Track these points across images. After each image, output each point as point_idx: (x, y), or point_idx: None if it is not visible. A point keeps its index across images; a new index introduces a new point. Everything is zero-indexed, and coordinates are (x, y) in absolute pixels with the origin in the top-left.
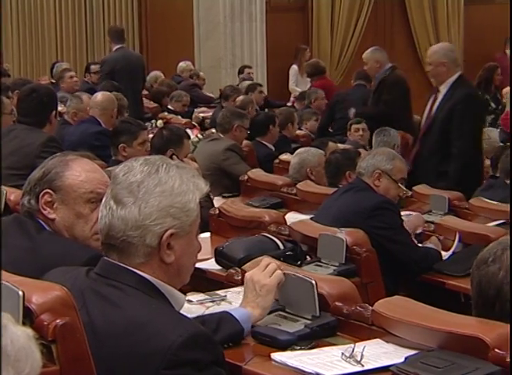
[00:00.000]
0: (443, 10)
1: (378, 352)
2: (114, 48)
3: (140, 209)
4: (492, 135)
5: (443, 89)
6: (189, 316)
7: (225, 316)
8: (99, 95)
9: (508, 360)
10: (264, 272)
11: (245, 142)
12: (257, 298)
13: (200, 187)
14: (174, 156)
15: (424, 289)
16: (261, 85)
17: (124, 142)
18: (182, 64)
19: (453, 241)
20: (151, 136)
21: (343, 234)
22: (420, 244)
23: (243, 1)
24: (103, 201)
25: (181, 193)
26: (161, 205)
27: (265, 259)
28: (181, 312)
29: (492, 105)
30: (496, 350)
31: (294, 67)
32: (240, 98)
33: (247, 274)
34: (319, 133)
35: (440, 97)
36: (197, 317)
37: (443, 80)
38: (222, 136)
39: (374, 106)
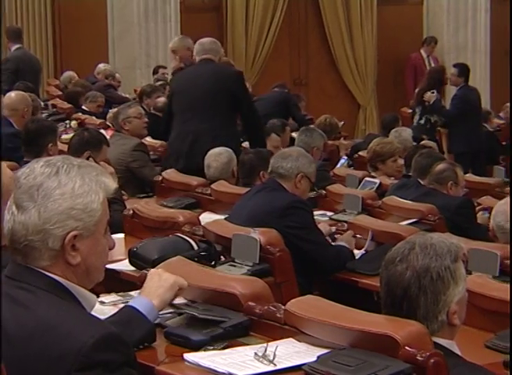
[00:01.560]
0: (357, 10)
1: (291, 351)
2: (12, 48)
3: (39, 214)
4: (404, 134)
5: None
6: (101, 317)
7: (133, 315)
8: (11, 95)
9: (418, 358)
10: (172, 273)
11: (160, 142)
12: (158, 289)
13: (105, 185)
14: (90, 159)
15: (338, 288)
16: None
17: (51, 141)
18: (101, 66)
19: (366, 239)
20: (64, 136)
21: (257, 234)
22: (334, 244)
23: (157, 2)
24: (7, 205)
25: (82, 194)
26: (61, 208)
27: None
28: (93, 313)
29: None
30: (407, 348)
31: None
32: (162, 99)
33: (153, 269)
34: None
35: None
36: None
37: None
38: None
39: None
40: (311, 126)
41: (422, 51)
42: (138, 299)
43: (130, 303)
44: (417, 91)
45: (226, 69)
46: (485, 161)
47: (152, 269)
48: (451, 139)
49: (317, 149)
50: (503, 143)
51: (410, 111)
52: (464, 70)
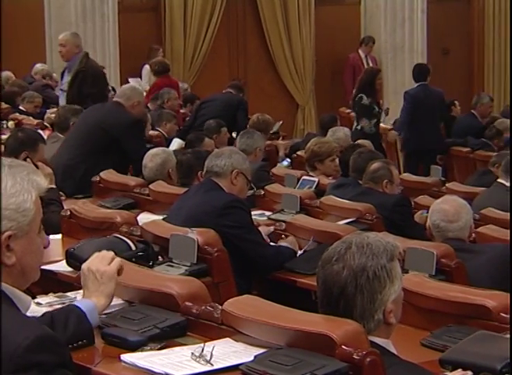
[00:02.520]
0: (294, 11)
1: (228, 351)
2: None
3: None
4: (339, 135)
5: None
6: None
7: (73, 310)
8: None
9: (355, 356)
10: (102, 260)
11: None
12: (100, 287)
13: (37, 184)
14: (28, 159)
15: (277, 288)
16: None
17: None
18: (38, 66)
19: (306, 240)
20: (2, 136)
21: (194, 234)
22: (273, 244)
23: (94, 1)
24: None
25: (14, 194)
26: None
27: (100, 252)
28: (30, 314)
29: (376, 108)
30: (343, 347)
31: (146, 67)
32: None
33: (83, 265)
34: (184, 133)
35: None
36: (45, 314)
37: None
38: (60, 136)
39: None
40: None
41: (360, 51)
42: (82, 301)
43: (74, 303)
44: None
45: (120, 116)
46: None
47: (84, 268)
48: (403, 138)
49: (259, 150)
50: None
51: (349, 111)
52: (415, 71)
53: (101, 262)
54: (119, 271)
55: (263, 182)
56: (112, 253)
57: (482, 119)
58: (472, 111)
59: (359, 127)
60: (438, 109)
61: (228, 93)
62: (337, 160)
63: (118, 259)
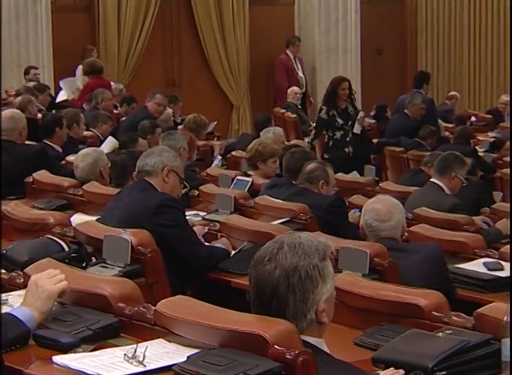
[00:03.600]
0: (229, 11)
1: (161, 352)
2: None
3: None
4: (268, 135)
5: None
6: None
7: (9, 318)
8: None
9: (287, 356)
10: (51, 278)
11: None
12: (36, 302)
13: None
14: None
15: (212, 288)
16: (49, 87)
17: None
18: None
19: (241, 240)
20: None
21: (128, 235)
22: (207, 244)
23: (27, 1)
24: None
25: None
26: None
27: (54, 270)
28: None
29: (339, 120)
30: (276, 346)
31: (80, 67)
32: (18, 99)
33: (33, 276)
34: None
35: None
36: None
37: None
38: None
39: None
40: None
41: (289, 52)
42: (18, 308)
43: (9, 311)
44: None
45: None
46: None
47: (32, 278)
48: None
49: (183, 149)
50: (374, 141)
51: (284, 111)
52: (414, 78)
53: (49, 279)
54: (62, 294)
55: (191, 181)
56: (63, 276)
57: (414, 120)
58: (405, 111)
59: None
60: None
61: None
62: (278, 162)
63: (64, 283)
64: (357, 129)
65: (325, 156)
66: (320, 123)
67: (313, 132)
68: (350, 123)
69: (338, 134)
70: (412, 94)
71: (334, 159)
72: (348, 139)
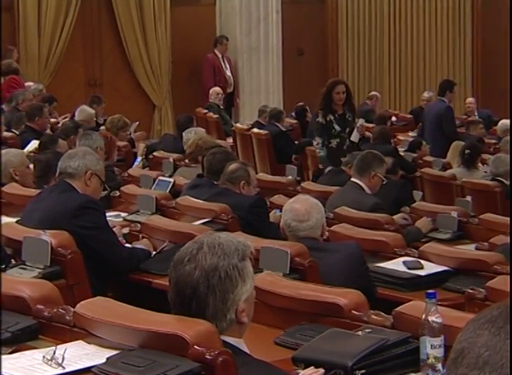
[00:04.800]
0: (150, 11)
1: (80, 354)
2: None
3: None
4: (189, 136)
5: None
6: None
7: None
8: None
9: (207, 356)
10: None
11: None
12: None
13: None
14: None
15: (133, 289)
16: None
17: None
18: None
19: (162, 241)
20: None
21: (48, 236)
22: (128, 245)
23: None
24: None
25: None
26: None
27: None
28: None
29: (336, 127)
30: (196, 347)
31: None
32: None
33: None
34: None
35: None
36: None
37: None
38: None
39: None
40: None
41: (217, 51)
42: None
43: None
44: None
45: None
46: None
47: None
48: None
49: (100, 149)
50: (296, 142)
51: (206, 111)
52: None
53: None
54: None
55: (109, 182)
56: None
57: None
58: None
59: (318, 146)
60: (435, 122)
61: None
62: None
63: None
64: (355, 137)
65: (320, 167)
66: (319, 128)
67: (316, 142)
68: (347, 130)
69: (334, 142)
70: None
71: (329, 170)
72: (345, 148)
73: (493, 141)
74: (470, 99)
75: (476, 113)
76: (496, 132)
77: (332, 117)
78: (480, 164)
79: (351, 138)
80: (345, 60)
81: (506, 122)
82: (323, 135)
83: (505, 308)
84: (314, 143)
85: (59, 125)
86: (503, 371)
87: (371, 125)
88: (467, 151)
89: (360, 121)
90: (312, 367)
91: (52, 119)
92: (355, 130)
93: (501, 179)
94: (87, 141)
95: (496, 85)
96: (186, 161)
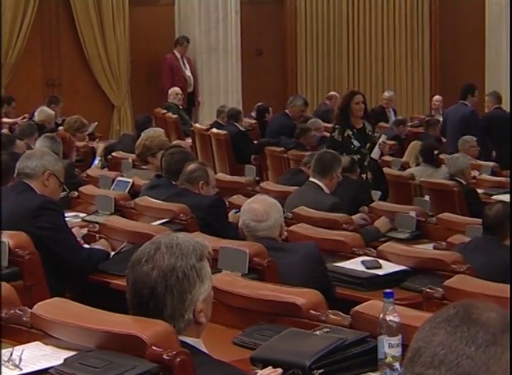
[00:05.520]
0: (109, 11)
1: (37, 355)
2: None
3: None
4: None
5: None
6: None
7: None
8: None
9: (165, 357)
10: None
11: None
12: None
13: None
14: None
15: (92, 289)
16: None
17: None
18: None
19: (121, 241)
20: None
21: (5, 237)
22: (87, 245)
23: None
24: None
25: None
26: None
27: None
28: None
29: (355, 142)
30: (153, 347)
31: None
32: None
33: None
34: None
35: None
36: None
37: None
38: None
39: None
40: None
41: (176, 52)
42: None
43: None
44: None
45: None
46: None
47: None
48: None
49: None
50: (255, 142)
51: (165, 111)
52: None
53: None
54: None
55: (70, 179)
56: None
57: (294, 120)
58: (286, 111)
59: None
60: (461, 127)
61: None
62: None
63: None
64: (375, 154)
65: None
66: (333, 146)
67: None
68: (368, 145)
69: (355, 157)
70: (294, 95)
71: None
72: (366, 164)
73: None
74: (437, 97)
75: (441, 112)
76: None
77: (350, 132)
78: None
79: (372, 155)
80: (304, 60)
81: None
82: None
83: (461, 307)
84: None
85: (17, 126)
86: (458, 370)
87: (330, 125)
88: (436, 152)
89: (383, 137)
90: (270, 367)
91: (10, 120)
92: (376, 146)
93: (458, 179)
94: (49, 144)
95: (454, 85)
96: (136, 163)
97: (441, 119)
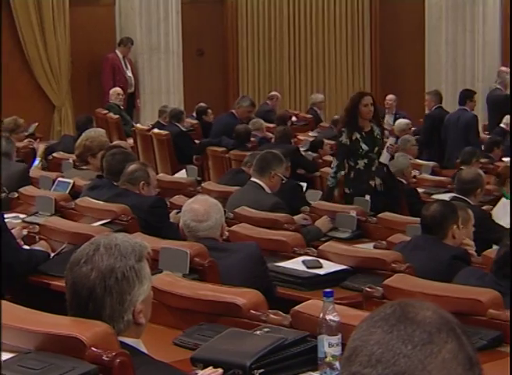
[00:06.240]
0: (49, 11)
1: None
2: None
3: None
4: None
5: None
6: None
7: None
8: None
9: (104, 358)
10: None
11: None
12: None
13: None
14: None
15: (32, 291)
16: None
17: None
18: None
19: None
20: None
21: None
22: (26, 247)
23: None
24: None
25: None
26: None
27: None
28: None
29: (364, 146)
30: (93, 349)
31: None
32: None
33: None
34: None
35: None
36: None
37: None
38: None
39: None
40: None
41: (118, 52)
42: None
43: None
44: None
45: None
46: None
47: None
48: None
49: None
50: (197, 142)
51: (106, 112)
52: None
53: None
54: None
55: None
56: None
57: (241, 121)
58: (233, 111)
59: (331, 171)
60: (465, 131)
61: None
62: None
63: None
64: (384, 158)
65: (346, 191)
66: (341, 150)
67: (334, 163)
68: (376, 149)
69: (361, 163)
70: (242, 96)
71: (357, 194)
72: (374, 169)
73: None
74: (390, 96)
75: (394, 111)
76: (394, 132)
77: (358, 135)
78: None
79: (380, 159)
80: (245, 60)
81: (403, 121)
82: (344, 156)
83: (397, 306)
84: (331, 166)
85: None
86: (395, 368)
87: (271, 125)
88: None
89: (391, 140)
90: (211, 367)
91: None
92: (385, 150)
93: (399, 178)
94: (6, 145)
95: (394, 87)
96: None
97: (392, 119)
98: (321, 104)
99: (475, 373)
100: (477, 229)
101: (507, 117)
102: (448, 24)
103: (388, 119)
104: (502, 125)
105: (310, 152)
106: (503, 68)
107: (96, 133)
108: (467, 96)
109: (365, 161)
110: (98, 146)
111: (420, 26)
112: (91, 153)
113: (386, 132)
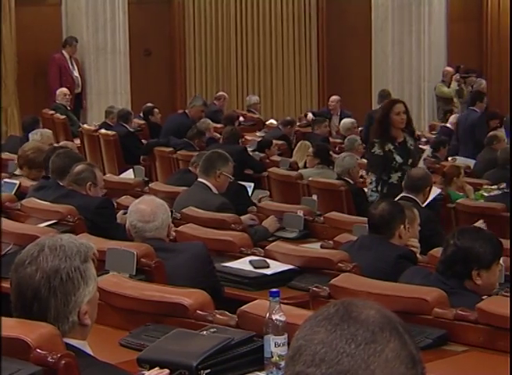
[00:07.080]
0: None
1: None
2: None
3: None
4: (35, 137)
5: None
6: None
7: None
8: None
9: (49, 359)
10: None
11: None
12: None
13: None
14: None
15: None
16: None
17: None
18: None
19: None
20: None
21: None
22: None
23: None
24: None
25: None
26: None
27: None
28: None
29: (397, 158)
30: (38, 350)
31: None
32: None
33: None
34: None
35: None
36: None
37: None
38: None
39: None
40: None
41: (64, 52)
42: None
43: None
44: None
45: None
46: None
47: None
48: None
49: None
50: (144, 142)
51: (53, 112)
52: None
53: None
54: None
55: None
56: None
57: (194, 121)
58: (186, 111)
59: (370, 186)
60: (471, 130)
61: None
62: None
63: None
64: None
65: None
66: (377, 162)
67: (371, 177)
68: (410, 161)
69: (395, 177)
70: (195, 96)
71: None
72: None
73: (338, 141)
74: (333, 97)
75: (339, 112)
76: (339, 131)
77: (391, 146)
78: None
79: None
80: (192, 60)
81: (347, 121)
82: (381, 168)
83: (341, 305)
84: (368, 181)
85: None
86: (338, 367)
87: (219, 125)
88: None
89: (428, 151)
90: (157, 368)
91: None
92: (421, 161)
93: (345, 178)
94: None
95: (341, 87)
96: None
97: (337, 119)
98: (256, 105)
99: (418, 371)
100: (422, 229)
101: (453, 117)
102: (394, 25)
103: (334, 120)
104: (448, 125)
105: (257, 152)
106: (448, 68)
107: (43, 136)
108: (477, 98)
109: (399, 174)
110: (38, 162)
111: (366, 27)
112: (29, 165)
113: (333, 132)
